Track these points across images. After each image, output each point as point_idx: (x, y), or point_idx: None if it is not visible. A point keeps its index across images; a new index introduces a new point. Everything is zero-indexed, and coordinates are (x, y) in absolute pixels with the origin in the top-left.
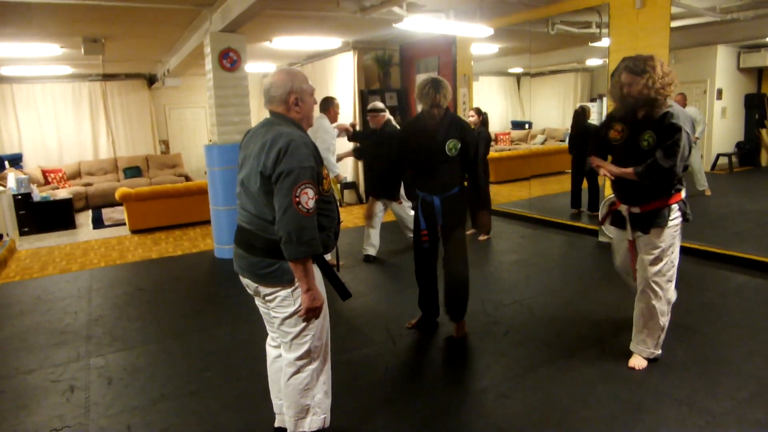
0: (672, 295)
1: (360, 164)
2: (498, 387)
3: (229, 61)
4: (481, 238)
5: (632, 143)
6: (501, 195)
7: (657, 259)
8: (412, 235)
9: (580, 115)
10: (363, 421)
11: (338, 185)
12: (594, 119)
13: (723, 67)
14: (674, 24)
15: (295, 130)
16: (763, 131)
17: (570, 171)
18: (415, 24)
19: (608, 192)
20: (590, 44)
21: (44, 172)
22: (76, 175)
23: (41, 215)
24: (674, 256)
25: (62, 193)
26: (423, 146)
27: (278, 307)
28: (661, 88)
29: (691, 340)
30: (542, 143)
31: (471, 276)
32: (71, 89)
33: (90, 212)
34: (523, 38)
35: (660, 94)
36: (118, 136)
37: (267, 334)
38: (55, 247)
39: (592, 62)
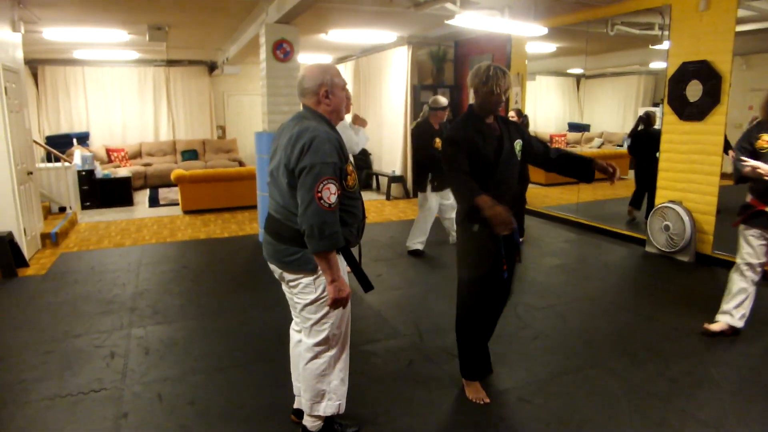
0: None
1: (409, 159)
2: (519, 390)
3: (282, 51)
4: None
5: None
6: (549, 198)
7: None
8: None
9: (645, 120)
10: (380, 411)
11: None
12: (657, 125)
13: None
14: (743, 28)
15: (322, 125)
16: None
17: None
18: (468, 21)
19: (658, 200)
20: (651, 47)
21: (108, 151)
22: (137, 155)
23: (102, 191)
24: None
25: (123, 172)
26: (493, 151)
27: (300, 293)
28: None
29: (729, 361)
30: (599, 147)
31: None
32: (137, 73)
33: (147, 191)
34: (580, 38)
35: None
36: (178, 119)
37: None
38: (112, 222)
39: (656, 65)
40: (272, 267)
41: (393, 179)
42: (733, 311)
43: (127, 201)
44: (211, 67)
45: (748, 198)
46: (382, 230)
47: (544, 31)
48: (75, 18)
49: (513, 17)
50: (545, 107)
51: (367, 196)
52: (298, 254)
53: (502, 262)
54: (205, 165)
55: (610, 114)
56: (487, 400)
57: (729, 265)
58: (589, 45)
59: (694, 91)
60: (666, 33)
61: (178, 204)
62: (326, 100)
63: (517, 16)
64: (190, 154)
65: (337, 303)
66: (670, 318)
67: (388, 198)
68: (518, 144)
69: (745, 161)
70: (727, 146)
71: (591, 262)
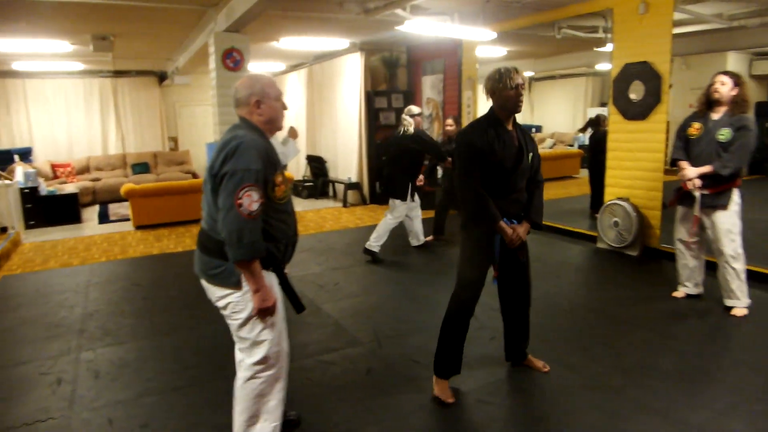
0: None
1: (365, 165)
2: (478, 392)
3: (232, 60)
4: None
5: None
6: None
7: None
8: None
9: (596, 123)
10: (339, 420)
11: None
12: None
13: None
14: (682, 30)
15: (251, 134)
16: None
17: (579, 176)
18: (418, 26)
19: (607, 198)
20: (596, 49)
21: (53, 167)
22: (85, 170)
23: (47, 209)
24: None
25: (69, 188)
26: (512, 159)
27: (232, 313)
28: None
29: (680, 351)
30: (551, 147)
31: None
32: (82, 85)
33: (97, 207)
34: (529, 42)
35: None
36: (128, 132)
37: None
38: (59, 241)
39: (602, 67)
40: (204, 285)
41: (349, 186)
42: (686, 282)
43: (74, 218)
44: (161, 78)
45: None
46: (338, 238)
47: (493, 35)
48: (13, 28)
49: (462, 22)
50: None
51: (324, 204)
52: (221, 267)
53: (496, 265)
54: (157, 178)
55: (560, 115)
56: (451, 400)
57: (675, 257)
58: (538, 48)
59: (637, 91)
60: (609, 36)
61: (129, 219)
62: (258, 110)
63: (466, 21)
64: (141, 167)
65: (262, 313)
66: (622, 311)
67: (344, 205)
68: (530, 156)
69: (681, 165)
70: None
71: (545, 260)
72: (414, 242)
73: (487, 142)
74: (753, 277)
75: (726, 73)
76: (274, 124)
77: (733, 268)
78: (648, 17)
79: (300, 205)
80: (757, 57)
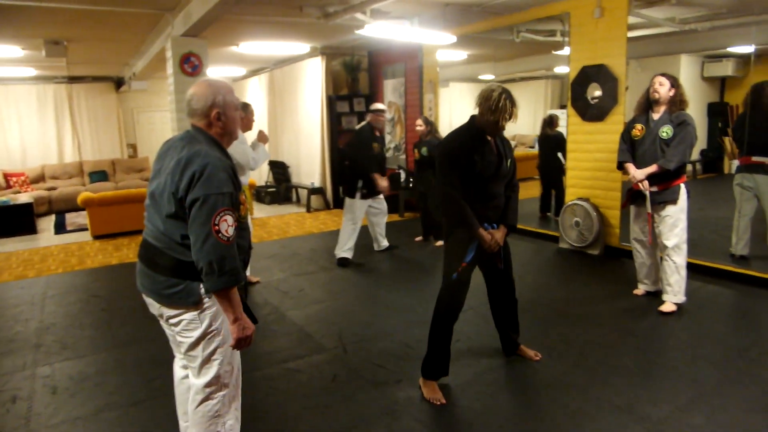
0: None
1: (328, 170)
2: (444, 395)
3: (190, 65)
4: (438, 243)
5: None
6: None
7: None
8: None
9: (549, 123)
10: (303, 429)
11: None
12: (563, 126)
13: (687, 76)
14: (635, 33)
15: (214, 151)
16: (726, 139)
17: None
18: (378, 30)
19: (568, 198)
20: (554, 52)
21: (6, 176)
22: (40, 179)
23: (0, 220)
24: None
25: (23, 198)
26: (492, 167)
27: (184, 331)
28: None
29: (640, 346)
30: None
31: (424, 282)
32: (36, 91)
33: (53, 217)
34: (489, 45)
35: None
36: (84, 139)
37: None
38: (12, 253)
39: (561, 70)
40: (148, 301)
41: (313, 191)
42: (644, 280)
43: (29, 229)
44: (118, 83)
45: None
46: (302, 243)
47: (453, 39)
48: None
49: (422, 26)
50: (460, 113)
51: (288, 209)
52: (179, 286)
53: (462, 264)
54: (116, 186)
55: (522, 117)
56: (443, 401)
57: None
58: (498, 52)
59: (594, 93)
60: (567, 39)
61: (87, 229)
62: (218, 123)
63: (426, 25)
64: (99, 176)
65: (241, 343)
66: (584, 310)
67: (308, 210)
68: (508, 162)
69: (628, 168)
70: None
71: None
72: (375, 247)
73: (467, 151)
74: (708, 273)
75: (664, 74)
76: (232, 136)
77: (674, 261)
78: (603, 21)
79: (263, 210)
80: (709, 60)
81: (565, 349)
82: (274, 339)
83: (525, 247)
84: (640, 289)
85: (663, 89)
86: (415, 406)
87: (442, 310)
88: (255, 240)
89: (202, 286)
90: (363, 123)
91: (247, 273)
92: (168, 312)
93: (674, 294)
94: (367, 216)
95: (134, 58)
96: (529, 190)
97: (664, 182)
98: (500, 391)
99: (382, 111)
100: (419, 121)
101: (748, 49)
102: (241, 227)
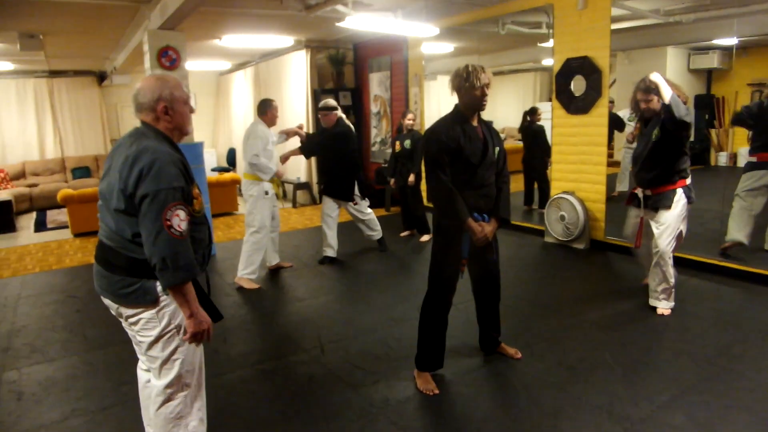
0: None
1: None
2: (419, 396)
3: (168, 59)
4: (424, 238)
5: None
6: None
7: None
8: (377, 236)
9: (530, 115)
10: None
11: (280, 182)
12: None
13: (673, 68)
14: (620, 25)
15: (163, 146)
16: (713, 131)
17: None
18: (360, 23)
19: (554, 192)
20: (539, 44)
21: None
22: (21, 175)
23: None
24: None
25: (2, 195)
26: (478, 154)
27: (143, 330)
28: None
29: (623, 343)
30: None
31: (406, 279)
32: (15, 86)
33: (34, 214)
34: (474, 38)
35: None
36: (66, 135)
37: None
38: None
39: (548, 62)
40: (107, 302)
41: (298, 186)
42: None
43: (8, 227)
44: (101, 77)
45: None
46: (286, 240)
47: (436, 31)
48: None
49: (406, 18)
50: (448, 106)
51: None
52: (135, 285)
53: (463, 261)
54: (99, 182)
55: (510, 110)
56: (437, 391)
57: (620, 249)
58: (484, 44)
59: (578, 85)
60: (552, 31)
61: (68, 227)
62: (166, 117)
63: (409, 17)
64: (82, 172)
65: (197, 337)
66: (568, 306)
67: (294, 206)
68: (496, 150)
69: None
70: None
71: None
72: (373, 235)
73: (453, 137)
74: (696, 267)
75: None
76: (182, 131)
77: (662, 269)
78: (587, 13)
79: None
80: (695, 52)
81: (546, 346)
82: (250, 339)
83: (510, 241)
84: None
85: (652, 104)
86: (390, 407)
87: (430, 304)
88: (239, 237)
89: (158, 283)
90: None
91: (277, 259)
92: (126, 311)
93: (658, 300)
94: (349, 211)
95: (115, 52)
96: (517, 183)
97: (659, 186)
98: (479, 393)
99: (331, 109)
100: (411, 115)
101: (732, 41)
102: (198, 221)
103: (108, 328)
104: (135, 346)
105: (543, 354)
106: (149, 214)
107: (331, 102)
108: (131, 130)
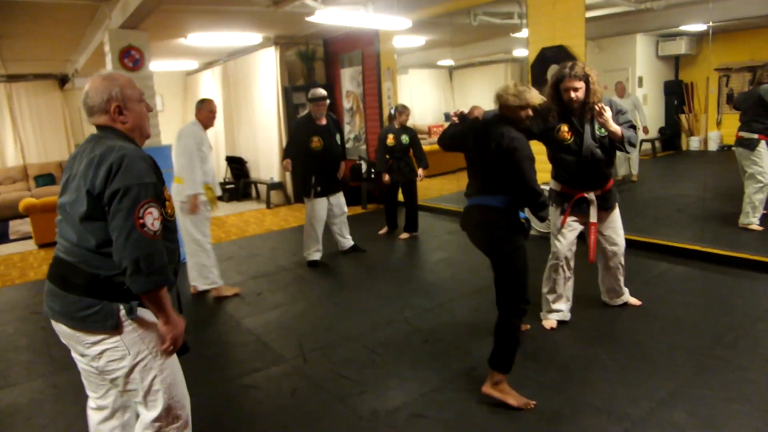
0: None
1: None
2: (411, 405)
3: (131, 60)
4: (403, 236)
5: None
6: (431, 189)
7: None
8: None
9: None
10: None
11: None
12: None
13: (643, 55)
14: (592, 14)
15: (128, 144)
16: (683, 117)
17: None
18: (329, 17)
19: None
20: (512, 35)
21: None
22: None
23: None
24: None
25: None
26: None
27: (111, 362)
28: None
29: (615, 337)
30: None
31: (386, 280)
32: None
33: None
34: (446, 30)
35: None
36: (28, 141)
37: None
38: None
39: (519, 53)
40: (59, 328)
41: (272, 186)
42: (561, 306)
43: None
44: (63, 81)
45: (557, 186)
46: (262, 243)
47: (408, 24)
48: None
49: (377, 11)
50: (421, 99)
51: (247, 206)
52: (95, 307)
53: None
54: None
55: (482, 102)
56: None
57: None
58: (455, 36)
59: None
60: (524, 21)
61: (31, 237)
62: (121, 118)
63: (380, 10)
64: (46, 179)
65: (173, 341)
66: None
67: (268, 206)
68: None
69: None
70: None
71: (475, 252)
72: (339, 247)
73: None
74: (676, 253)
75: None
76: (142, 131)
77: (622, 265)
78: (561, 1)
79: (221, 209)
80: (663, 39)
81: (538, 345)
82: (228, 352)
83: None
84: (552, 321)
85: (580, 93)
86: (380, 420)
87: (522, 309)
88: (213, 241)
89: (122, 307)
90: (302, 114)
91: (221, 283)
92: (86, 338)
93: (626, 294)
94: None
95: (75, 54)
96: None
97: (607, 183)
98: (471, 397)
99: (321, 99)
100: (408, 112)
101: (702, 27)
102: (170, 228)
103: None
104: (85, 380)
105: (533, 354)
106: (120, 213)
107: (322, 91)
108: (88, 136)
